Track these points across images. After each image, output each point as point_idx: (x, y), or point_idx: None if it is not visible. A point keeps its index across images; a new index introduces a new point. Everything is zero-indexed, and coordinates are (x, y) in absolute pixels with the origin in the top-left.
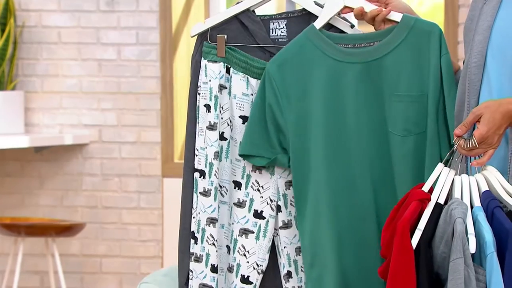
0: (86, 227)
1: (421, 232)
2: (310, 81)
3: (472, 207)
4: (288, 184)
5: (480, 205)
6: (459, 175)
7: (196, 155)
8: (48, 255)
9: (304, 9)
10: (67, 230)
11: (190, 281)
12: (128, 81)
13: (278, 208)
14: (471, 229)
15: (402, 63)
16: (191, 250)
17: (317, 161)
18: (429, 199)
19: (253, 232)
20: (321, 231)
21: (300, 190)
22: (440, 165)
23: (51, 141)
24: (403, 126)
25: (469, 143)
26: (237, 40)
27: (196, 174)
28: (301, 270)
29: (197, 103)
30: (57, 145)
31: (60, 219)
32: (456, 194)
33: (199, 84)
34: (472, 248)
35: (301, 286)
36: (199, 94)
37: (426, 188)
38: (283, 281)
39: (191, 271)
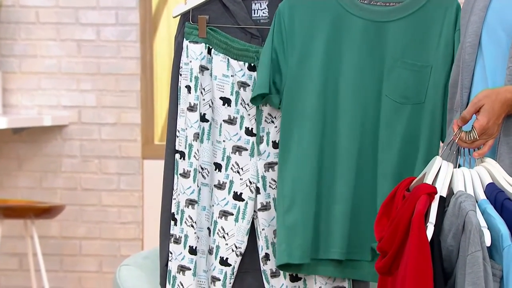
0: (65, 209)
1: (433, 226)
2: (317, 27)
3: (476, 200)
4: (267, 166)
5: (485, 197)
6: (456, 167)
7: (177, 136)
8: (27, 237)
9: None
10: (46, 212)
11: (169, 262)
12: (107, 62)
13: (257, 190)
14: (483, 222)
15: (413, 31)
16: (171, 232)
17: (307, 108)
18: (436, 193)
19: (233, 214)
20: (304, 178)
21: (286, 136)
22: (439, 158)
23: (30, 122)
24: (403, 93)
25: (471, 136)
26: (219, 21)
27: (177, 156)
28: None
29: (179, 84)
30: (36, 126)
31: (39, 201)
32: (460, 187)
33: (181, 65)
34: (488, 241)
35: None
36: (180, 75)
37: (429, 181)
38: (261, 264)
39: (171, 253)
